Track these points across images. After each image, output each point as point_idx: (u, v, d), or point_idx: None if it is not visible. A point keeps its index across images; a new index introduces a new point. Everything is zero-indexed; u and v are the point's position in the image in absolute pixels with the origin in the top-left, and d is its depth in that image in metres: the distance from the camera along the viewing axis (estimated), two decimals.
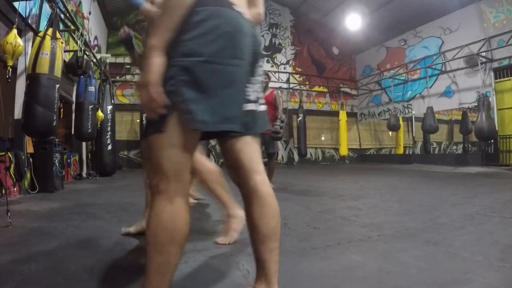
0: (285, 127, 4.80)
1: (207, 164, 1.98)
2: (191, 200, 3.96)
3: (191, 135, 0.85)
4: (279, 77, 12.10)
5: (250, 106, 0.99)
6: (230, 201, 1.90)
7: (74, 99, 6.40)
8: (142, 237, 1.90)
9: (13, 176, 3.56)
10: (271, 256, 0.98)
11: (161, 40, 0.82)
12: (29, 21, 4.05)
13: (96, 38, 8.50)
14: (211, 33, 0.83)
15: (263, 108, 1.06)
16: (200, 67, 0.81)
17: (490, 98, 8.04)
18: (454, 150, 14.36)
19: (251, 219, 1.00)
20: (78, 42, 5.59)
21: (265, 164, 4.84)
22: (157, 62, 0.81)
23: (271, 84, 4.82)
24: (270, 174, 4.71)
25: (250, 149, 1.02)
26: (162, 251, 0.82)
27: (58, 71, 3.65)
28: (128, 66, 10.11)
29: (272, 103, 4.65)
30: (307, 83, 12.68)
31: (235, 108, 0.89)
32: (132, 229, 1.97)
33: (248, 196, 1.01)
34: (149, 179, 0.88)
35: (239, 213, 1.84)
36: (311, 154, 12.31)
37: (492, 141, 8.13)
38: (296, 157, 12.12)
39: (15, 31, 3.33)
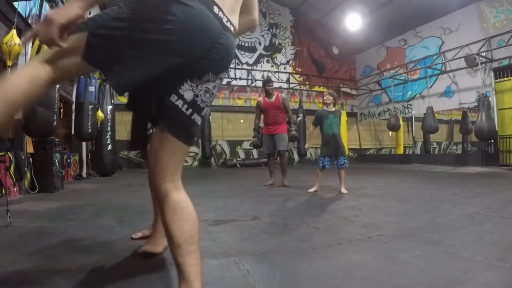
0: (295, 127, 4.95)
1: None
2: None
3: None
4: (279, 77, 12.09)
5: (178, 103, 0.94)
6: None
7: (74, 99, 6.40)
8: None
9: (13, 176, 3.56)
10: (189, 259, 0.93)
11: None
12: (29, 21, 4.05)
13: None
14: (170, 21, 0.85)
15: (197, 118, 0.97)
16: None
17: (490, 98, 8.05)
18: (454, 150, 14.36)
19: (164, 223, 0.96)
20: None
21: (274, 163, 4.87)
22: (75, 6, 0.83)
23: None
24: (284, 172, 4.70)
25: (167, 151, 0.96)
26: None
27: None
28: None
29: (280, 107, 4.71)
30: (307, 83, 12.68)
31: (144, 77, 0.89)
32: (140, 234, 1.91)
33: (160, 200, 0.97)
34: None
35: None
36: (311, 154, 12.30)
37: (492, 141, 8.13)
38: (296, 157, 12.13)
39: (14, 31, 3.32)
